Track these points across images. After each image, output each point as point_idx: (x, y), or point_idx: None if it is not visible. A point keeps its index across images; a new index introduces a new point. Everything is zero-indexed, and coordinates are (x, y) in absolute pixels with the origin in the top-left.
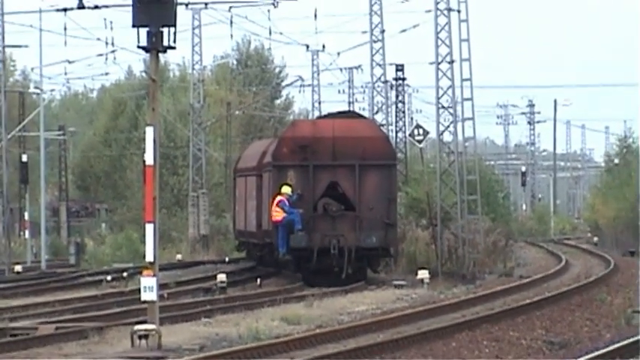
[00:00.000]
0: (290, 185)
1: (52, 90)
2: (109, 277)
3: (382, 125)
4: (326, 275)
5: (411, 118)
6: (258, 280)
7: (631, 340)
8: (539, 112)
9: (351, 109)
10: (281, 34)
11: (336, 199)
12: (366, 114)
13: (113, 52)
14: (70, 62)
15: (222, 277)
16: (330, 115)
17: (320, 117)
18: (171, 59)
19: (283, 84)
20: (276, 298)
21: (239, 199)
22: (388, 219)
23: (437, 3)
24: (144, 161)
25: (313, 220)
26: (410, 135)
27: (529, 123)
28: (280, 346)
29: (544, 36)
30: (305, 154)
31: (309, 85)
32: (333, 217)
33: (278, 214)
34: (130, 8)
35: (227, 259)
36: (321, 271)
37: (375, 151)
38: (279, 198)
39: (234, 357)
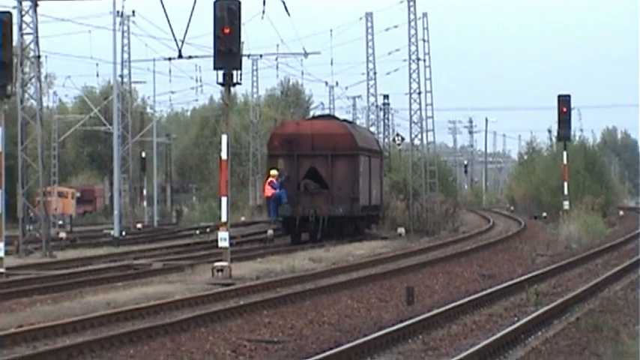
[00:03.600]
0: (277, 169)
1: (161, 110)
2: (197, 232)
3: (372, 133)
4: (306, 236)
5: (393, 130)
6: None
7: (533, 273)
8: (476, 126)
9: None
10: (309, 74)
11: (314, 180)
12: (363, 126)
13: (201, 86)
14: (172, 93)
15: (270, 232)
16: (311, 118)
17: (305, 119)
18: (239, 90)
19: (311, 107)
20: (305, 245)
21: None
22: (353, 195)
23: (410, 55)
24: (220, 157)
25: (297, 195)
26: (392, 140)
27: (470, 132)
28: (309, 277)
29: (479, 74)
30: (291, 146)
31: (327, 108)
32: (312, 193)
33: (268, 191)
34: (212, 58)
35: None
36: (303, 233)
37: (344, 144)
38: (269, 179)
39: (278, 283)
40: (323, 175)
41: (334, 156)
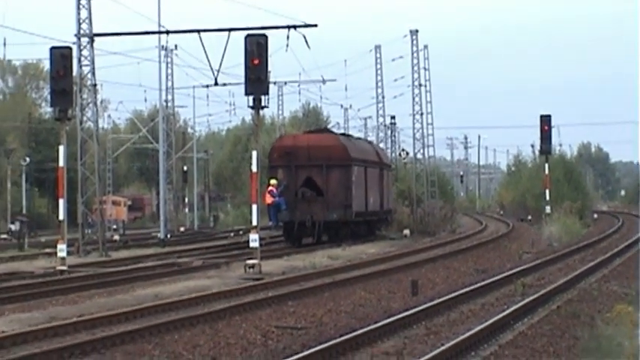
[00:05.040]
0: (277, 179)
1: (200, 130)
2: (232, 234)
3: (371, 144)
4: (304, 239)
5: (399, 146)
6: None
7: (520, 268)
8: (470, 142)
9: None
10: (327, 99)
11: (310, 189)
12: (365, 139)
13: (234, 109)
14: (210, 115)
15: None
16: (307, 132)
17: (304, 132)
18: (266, 113)
19: (328, 127)
20: (324, 245)
21: None
22: (346, 201)
23: (413, 82)
24: (251, 170)
25: (295, 202)
26: (399, 154)
27: (465, 147)
28: (327, 272)
29: (473, 97)
30: (289, 158)
31: (342, 128)
32: (309, 200)
33: (269, 199)
34: (244, 85)
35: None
36: (301, 237)
37: (337, 155)
38: (269, 188)
39: (301, 278)
40: (318, 183)
41: (328, 166)
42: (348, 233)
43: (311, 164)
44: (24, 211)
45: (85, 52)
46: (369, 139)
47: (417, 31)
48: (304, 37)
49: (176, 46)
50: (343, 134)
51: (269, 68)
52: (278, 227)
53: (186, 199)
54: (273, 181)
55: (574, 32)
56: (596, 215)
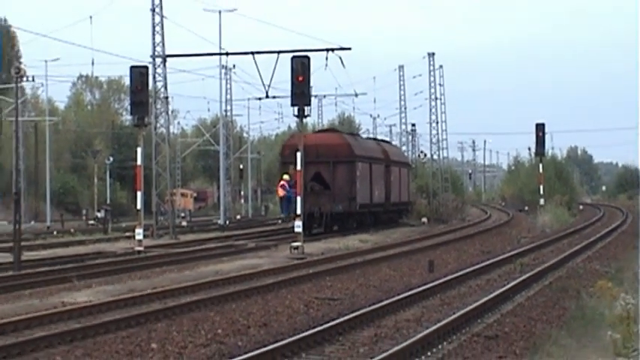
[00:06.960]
0: (288, 174)
1: (253, 135)
2: (280, 221)
3: (404, 152)
4: (313, 228)
5: (418, 148)
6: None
7: (518, 250)
8: (477, 145)
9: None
10: (359, 109)
11: (319, 183)
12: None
13: (282, 117)
14: (262, 122)
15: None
16: (317, 131)
17: (314, 132)
18: (308, 121)
19: (360, 133)
20: (356, 231)
21: None
22: (350, 194)
23: (430, 96)
24: (295, 168)
25: (304, 196)
26: (418, 156)
27: (473, 150)
28: (359, 253)
29: (479, 107)
30: None
31: (372, 133)
32: (317, 193)
33: (281, 192)
34: (290, 97)
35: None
36: (311, 227)
37: (343, 153)
38: (281, 182)
39: (337, 257)
40: (326, 178)
41: (335, 162)
42: (353, 223)
43: (319, 161)
44: (108, 202)
45: (159, 70)
46: (393, 142)
47: (433, 53)
48: (340, 59)
49: (234, 65)
50: (350, 133)
51: (311, 84)
52: (289, 218)
53: (242, 192)
54: (285, 176)
55: (564, 52)
56: (581, 207)
